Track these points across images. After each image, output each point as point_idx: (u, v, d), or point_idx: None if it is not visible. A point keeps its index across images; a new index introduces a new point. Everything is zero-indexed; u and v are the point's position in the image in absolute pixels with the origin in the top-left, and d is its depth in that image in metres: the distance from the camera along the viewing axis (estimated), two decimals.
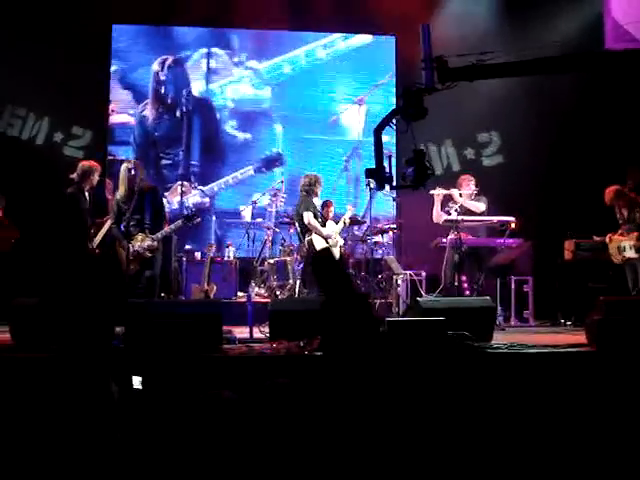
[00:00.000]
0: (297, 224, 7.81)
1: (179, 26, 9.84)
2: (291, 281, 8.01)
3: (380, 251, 8.64)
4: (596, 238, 7.83)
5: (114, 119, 9.62)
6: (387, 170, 4.73)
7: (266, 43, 9.97)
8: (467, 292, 7.75)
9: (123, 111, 9.64)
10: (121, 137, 9.67)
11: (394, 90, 9.85)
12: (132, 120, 9.71)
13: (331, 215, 8.10)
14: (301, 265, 7.89)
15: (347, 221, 8.03)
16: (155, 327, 4.91)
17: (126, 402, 3.65)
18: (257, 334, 6.09)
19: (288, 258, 8.23)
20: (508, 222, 7.67)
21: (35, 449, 3.29)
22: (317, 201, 7.97)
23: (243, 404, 2.57)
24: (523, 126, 9.08)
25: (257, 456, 2.53)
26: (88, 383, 3.98)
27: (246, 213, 9.66)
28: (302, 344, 4.95)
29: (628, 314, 5.27)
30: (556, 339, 6.13)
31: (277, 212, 9.10)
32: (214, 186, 9.75)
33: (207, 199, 9.64)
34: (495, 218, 7.76)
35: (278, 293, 8.05)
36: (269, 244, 8.71)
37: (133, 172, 6.58)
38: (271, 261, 8.40)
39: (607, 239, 7.57)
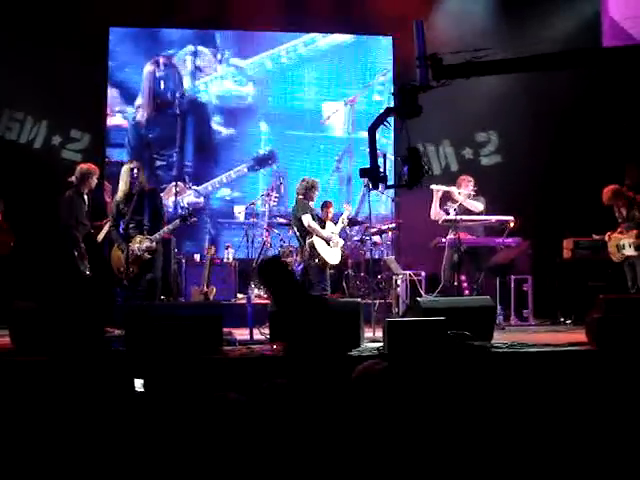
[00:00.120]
0: (295, 228, 7.80)
1: (176, 28, 9.85)
2: None
3: (379, 251, 8.65)
4: (595, 237, 7.83)
5: (108, 122, 9.63)
6: (381, 169, 4.69)
7: (249, 41, 10.00)
8: (466, 292, 7.75)
9: (111, 112, 9.64)
10: (115, 139, 9.68)
11: (384, 89, 9.92)
12: (125, 122, 9.72)
13: (330, 216, 8.10)
14: (301, 266, 7.89)
15: (346, 221, 8.03)
16: (155, 330, 4.90)
17: (128, 405, 3.65)
18: (257, 336, 6.09)
19: (287, 259, 8.23)
20: (507, 221, 7.68)
21: (35, 451, 3.29)
22: (312, 205, 7.95)
23: (250, 406, 2.57)
24: (521, 125, 9.08)
25: (264, 458, 2.52)
26: (85, 387, 3.98)
27: (240, 213, 9.68)
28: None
29: (628, 312, 5.28)
30: (556, 338, 6.14)
31: (270, 212, 9.12)
32: (208, 185, 9.77)
33: (201, 199, 9.66)
34: (494, 217, 7.77)
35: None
36: (268, 245, 8.71)
37: (135, 173, 6.58)
38: None
39: (606, 237, 7.57)
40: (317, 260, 7.55)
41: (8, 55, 8.65)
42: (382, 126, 4.78)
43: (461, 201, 7.72)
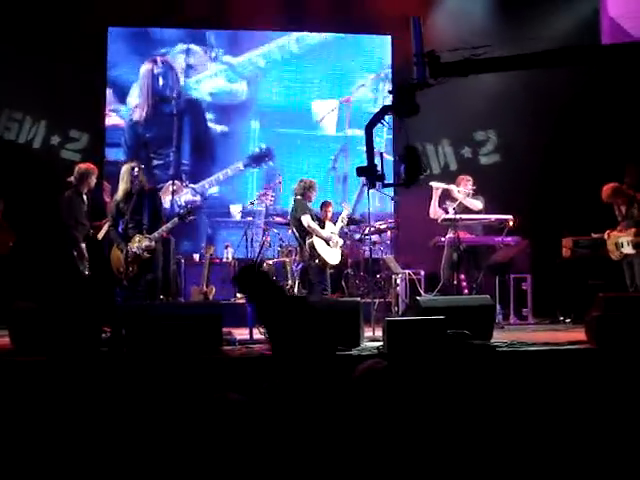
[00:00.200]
0: (294, 228, 7.78)
1: (175, 28, 9.86)
2: (290, 282, 8.01)
3: (378, 250, 8.64)
4: (594, 235, 7.83)
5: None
6: (378, 168, 4.66)
7: (241, 38, 10.03)
8: (466, 291, 7.76)
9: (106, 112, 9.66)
10: (111, 139, 9.68)
11: (378, 88, 9.98)
12: (121, 122, 9.73)
13: (329, 215, 8.10)
14: (300, 266, 7.89)
15: (345, 220, 8.03)
16: (155, 329, 4.90)
17: (128, 405, 3.65)
18: (257, 335, 6.08)
19: (287, 259, 8.24)
20: (506, 220, 7.68)
21: (35, 451, 3.29)
22: (310, 206, 7.95)
23: (251, 406, 2.57)
24: (520, 124, 9.08)
25: (266, 458, 2.53)
26: (85, 387, 3.98)
27: (236, 212, 9.70)
28: None
29: (627, 310, 5.28)
30: (556, 336, 6.14)
31: (267, 210, 9.15)
32: (205, 183, 9.79)
33: (198, 197, 9.67)
34: (493, 216, 7.77)
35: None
36: (267, 245, 8.71)
37: (136, 172, 6.58)
38: (270, 262, 8.40)
39: (606, 235, 7.57)
40: (317, 260, 7.55)
41: (6, 55, 8.64)
42: (380, 125, 4.76)
43: (460, 199, 7.73)
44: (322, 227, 7.75)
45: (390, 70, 10.04)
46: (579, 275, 7.89)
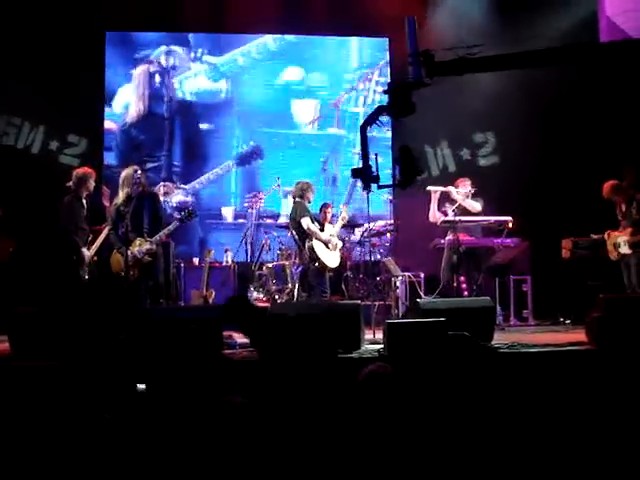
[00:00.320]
0: (294, 231, 7.77)
1: (173, 32, 9.88)
2: (290, 285, 8.01)
3: (378, 253, 8.65)
4: (593, 236, 7.83)
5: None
6: (373, 169, 4.58)
7: (222, 38, 10.08)
8: (466, 292, 7.76)
9: None
10: (105, 143, 9.70)
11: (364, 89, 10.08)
12: (114, 126, 9.72)
13: (329, 217, 8.10)
14: (299, 269, 7.88)
15: (346, 218, 8.02)
16: (156, 333, 4.89)
17: (130, 409, 3.64)
18: None
19: (286, 262, 8.23)
20: (505, 222, 7.68)
21: (34, 457, 3.28)
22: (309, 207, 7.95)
23: (255, 409, 2.56)
24: (518, 126, 9.08)
25: (269, 461, 2.52)
26: (86, 391, 3.97)
27: (228, 214, 9.71)
28: None
29: (628, 311, 5.27)
30: (556, 338, 6.13)
31: (258, 213, 9.15)
32: (195, 184, 9.80)
33: (190, 197, 9.68)
34: (492, 218, 7.78)
35: (277, 297, 8.05)
36: (267, 248, 8.71)
37: (139, 176, 6.58)
38: (269, 265, 8.40)
39: (606, 236, 7.57)
40: (316, 263, 7.54)
41: (4, 60, 8.64)
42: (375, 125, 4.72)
43: (459, 201, 7.73)
44: (321, 229, 7.75)
45: (376, 71, 10.12)
46: (579, 276, 7.89)
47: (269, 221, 8.92)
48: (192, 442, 2.59)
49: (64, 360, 4.60)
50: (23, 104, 8.94)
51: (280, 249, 8.61)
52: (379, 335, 5.71)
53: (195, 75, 9.97)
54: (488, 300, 5.95)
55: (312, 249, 7.52)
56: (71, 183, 7.01)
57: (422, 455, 2.77)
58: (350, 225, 8.82)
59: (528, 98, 8.87)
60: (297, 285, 7.82)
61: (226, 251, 8.99)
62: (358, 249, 8.71)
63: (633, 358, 4.62)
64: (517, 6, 8.96)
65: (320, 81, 10.16)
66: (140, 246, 6.46)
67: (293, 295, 7.81)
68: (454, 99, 8.65)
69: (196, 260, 9.00)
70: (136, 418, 3.45)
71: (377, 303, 7.61)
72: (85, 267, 6.86)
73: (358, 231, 9.14)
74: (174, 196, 9.55)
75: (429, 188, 7.78)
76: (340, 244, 7.92)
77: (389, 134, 9.68)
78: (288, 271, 8.12)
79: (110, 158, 9.62)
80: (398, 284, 8.04)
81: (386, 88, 4.61)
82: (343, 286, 8.49)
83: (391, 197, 8.75)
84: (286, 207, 9.62)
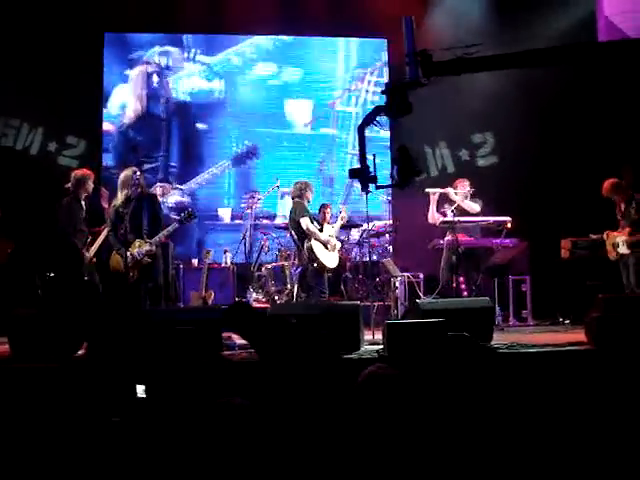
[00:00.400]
0: (293, 231, 7.77)
1: (173, 33, 9.88)
2: (289, 286, 8.01)
3: (376, 254, 8.66)
4: (592, 236, 7.83)
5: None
6: (371, 170, 4.53)
7: (216, 39, 10.11)
8: (465, 293, 7.76)
9: None
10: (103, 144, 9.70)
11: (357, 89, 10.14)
12: (112, 127, 9.73)
13: (328, 217, 8.11)
14: (299, 270, 7.88)
15: (345, 218, 8.02)
16: (155, 335, 4.88)
17: (130, 412, 3.64)
18: None
19: (285, 263, 8.23)
20: (504, 222, 7.69)
21: (34, 459, 3.28)
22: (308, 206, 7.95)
23: (256, 411, 2.56)
24: (517, 126, 9.09)
25: (269, 463, 2.52)
26: (86, 393, 3.97)
27: (224, 215, 9.71)
28: None
29: (627, 311, 5.28)
30: (555, 338, 6.13)
31: (254, 213, 9.19)
32: (192, 183, 9.80)
33: (187, 197, 9.69)
34: (491, 218, 7.78)
35: (276, 298, 8.05)
36: (266, 249, 8.71)
37: (138, 177, 6.58)
38: (268, 266, 8.40)
39: (605, 236, 7.57)
40: (315, 264, 7.54)
41: (2, 62, 8.64)
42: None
43: (458, 202, 7.73)
44: (320, 230, 7.75)
45: (370, 71, 10.15)
46: (578, 276, 7.89)
47: (265, 222, 8.93)
48: (191, 443, 2.59)
49: (64, 362, 4.60)
50: (22, 105, 8.93)
51: (279, 250, 8.61)
52: (378, 336, 5.71)
53: (189, 75, 9.99)
54: (487, 300, 5.95)
55: (311, 249, 7.53)
56: (70, 185, 7.02)
57: (422, 455, 2.77)
58: (349, 225, 8.82)
59: (526, 98, 8.88)
60: (296, 286, 7.82)
61: (225, 252, 8.99)
62: (355, 249, 8.71)
63: (632, 358, 4.63)
64: (516, 6, 8.96)
65: (314, 81, 10.18)
66: (139, 247, 6.46)
67: (292, 296, 7.81)
68: (453, 100, 8.66)
69: (195, 261, 9.00)
70: (137, 420, 3.45)
71: (376, 304, 7.61)
72: (84, 269, 6.86)
73: (356, 232, 9.16)
74: (171, 196, 9.56)
75: (427, 190, 7.79)
76: (339, 245, 7.92)
77: (387, 134, 9.68)
78: (287, 272, 8.13)
79: (108, 159, 9.64)
80: (397, 285, 8.03)
81: (383, 88, 4.60)
82: (342, 287, 8.49)
83: (389, 198, 8.75)
84: (282, 208, 9.65)
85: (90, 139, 9.40)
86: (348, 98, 10.21)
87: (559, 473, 3.11)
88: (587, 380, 4.46)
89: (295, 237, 7.72)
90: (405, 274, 8.11)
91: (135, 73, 9.82)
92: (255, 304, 7.72)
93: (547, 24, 8.64)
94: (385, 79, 10.03)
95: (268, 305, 7.79)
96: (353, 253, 8.76)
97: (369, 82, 10.20)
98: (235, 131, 9.96)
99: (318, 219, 7.96)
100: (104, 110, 9.70)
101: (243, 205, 9.46)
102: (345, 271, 8.54)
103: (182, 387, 3.35)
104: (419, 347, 4.72)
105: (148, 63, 9.85)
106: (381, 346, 5.20)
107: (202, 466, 2.52)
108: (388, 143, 9.74)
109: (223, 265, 8.84)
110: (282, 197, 9.60)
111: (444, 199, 7.85)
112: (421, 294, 7.98)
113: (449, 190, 7.83)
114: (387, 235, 8.95)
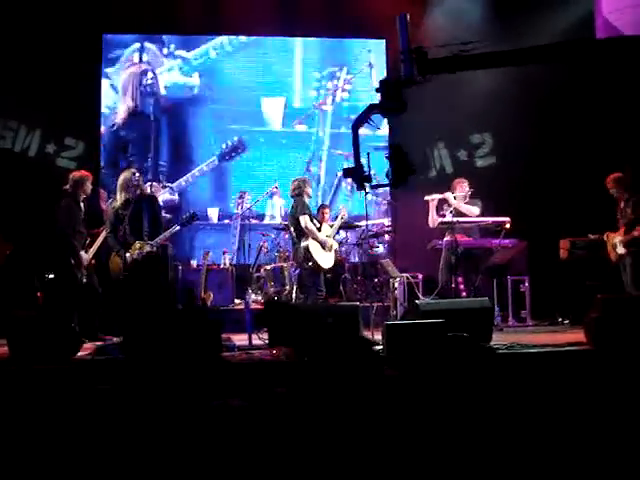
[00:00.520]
0: (292, 228, 7.75)
1: (171, 34, 9.88)
2: (288, 287, 8.00)
3: (375, 254, 8.66)
4: (591, 236, 7.83)
5: None
6: (366, 169, 4.53)
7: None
8: (464, 293, 7.75)
9: None
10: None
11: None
12: (102, 127, 9.72)
13: (327, 218, 8.10)
14: (297, 271, 7.87)
15: (345, 217, 8.02)
16: (154, 336, 4.88)
17: (130, 412, 3.64)
18: (256, 341, 6.08)
19: (284, 264, 8.22)
20: (503, 222, 7.69)
21: (33, 460, 3.28)
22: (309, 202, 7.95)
23: (253, 412, 2.56)
24: (516, 127, 9.08)
25: (268, 463, 2.52)
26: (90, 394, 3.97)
27: (213, 215, 9.71)
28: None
29: (626, 312, 5.28)
30: (555, 338, 6.14)
31: (243, 213, 9.18)
32: (182, 181, 9.80)
33: (176, 196, 9.68)
34: (490, 219, 7.78)
35: (275, 299, 8.04)
36: (265, 250, 8.71)
37: (137, 178, 6.57)
38: (267, 267, 8.40)
39: (605, 237, 7.56)
40: (310, 263, 7.52)
41: (0, 64, 8.63)
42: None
43: (455, 205, 7.73)
44: (319, 229, 7.74)
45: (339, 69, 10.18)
46: (577, 276, 7.89)
47: (254, 221, 8.94)
48: (190, 444, 2.59)
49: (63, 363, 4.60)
50: (20, 107, 8.92)
51: (278, 251, 8.61)
52: (378, 336, 5.71)
53: (169, 70, 9.97)
54: (486, 301, 5.96)
55: (307, 249, 7.50)
56: (68, 186, 7.01)
57: (421, 456, 2.77)
58: (348, 226, 8.82)
59: (525, 99, 8.87)
60: (295, 287, 7.81)
61: (224, 253, 8.99)
62: (354, 251, 8.72)
63: (631, 358, 4.63)
64: (514, 6, 8.96)
65: (287, 79, 10.20)
66: (140, 249, 6.45)
67: (291, 297, 7.80)
68: (451, 100, 8.65)
69: (194, 262, 9.00)
70: (135, 419, 3.45)
71: (375, 304, 7.61)
72: (83, 270, 6.85)
73: (348, 233, 9.15)
74: (161, 195, 9.55)
75: (426, 198, 7.79)
76: (336, 245, 7.91)
77: (382, 132, 9.69)
78: (286, 273, 8.12)
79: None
80: (396, 285, 8.04)
81: (377, 87, 4.55)
82: (341, 288, 8.49)
83: (378, 198, 8.75)
84: (271, 208, 9.66)
85: (88, 141, 9.39)
86: (317, 97, 10.21)
87: (559, 473, 3.12)
88: (586, 380, 4.46)
89: (293, 234, 7.70)
90: (404, 275, 8.11)
91: (128, 72, 9.80)
92: (254, 305, 7.70)
93: (546, 23, 8.62)
94: (373, 80, 10.00)
95: None
96: (353, 253, 8.75)
97: (345, 81, 10.18)
98: (213, 128, 9.93)
99: (318, 218, 7.95)
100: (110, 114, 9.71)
101: (232, 204, 9.43)
102: (344, 272, 8.54)
103: (181, 388, 3.36)
104: (418, 348, 4.74)
105: (135, 63, 9.82)
106: (380, 347, 5.20)
107: (200, 465, 2.52)
108: (386, 144, 9.73)
109: (222, 266, 8.83)
110: (271, 197, 9.61)
111: (443, 202, 7.84)
112: (420, 295, 7.98)
113: (447, 195, 7.81)
114: (386, 236, 8.95)
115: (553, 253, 8.18)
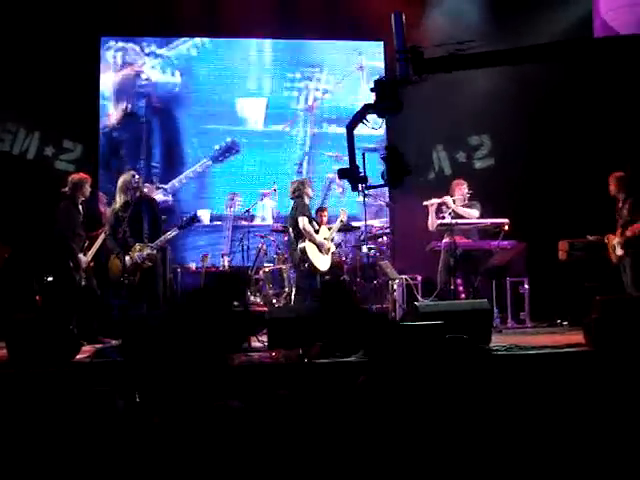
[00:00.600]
0: (291, 229, 7.76)
1: (168, 37, 9.88)
2: (287, 289, 8.00)
3: (373, 257, 8.65)
4: (590, 237, 7.84)
5: None
6: (361, 169, 4.50)
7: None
8: (463, 295, 7.76)
9: None
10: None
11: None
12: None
13: (325, 220, 8.10)
14: (296, 272, 7.87)
15: (345, 218, 8.01)
16: (153, 338, 4.88)
17: (130, 415, 3.63)
18: (255, 343, 6.08)
19: (283, 266, 8.22)
20: (502, 224, 7.69)
21: (33, 463, 3.27)
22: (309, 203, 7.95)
23: (252, 413, 2.56)
24: (514, 128, 9.09)
25: (267, 465, 2.52)
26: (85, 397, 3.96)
27: (204, 216, 9.72)
28: (301, 352, 4.95)
29: (625, 313, 5.28)
30: (554, 340, 6.14)
31: (234, 215, 9.20)
32: (175, 182, 9.78)
33: (170, 197, 9.68)
34: (489, 220, 7.79)
35: (274, 301, 8.04)
36: (263, 252, 8.70)
37: (137, 180, 6.57)
38: (266, 269, 8.39)
39: (605, 239, 7.56)
40: (306, 265, 7.52)
41: None
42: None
43: (454, 208, 7.74)
44: (317, 231, 7.74)
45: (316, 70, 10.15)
46: (575, 278, 7.89)
47: (244, 223, 8.96)
48: (189, 445, 2.59)
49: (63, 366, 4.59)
50: (18, 110, 8.93)
51: (277, 253, 8.60)
52: None
53: (149, 69, 9.92)
54: (485, 302, 5.96)
55: (304, 250, 7.50)
56: (67, 189, 7.01)
57: (420, 457, 2.77)
58: (346, 229, 8.82)
59: (524, 100, 8.88)
60: (294, 289, 7.81)
61: (222, 256, 8.99)
62: (352, 253, 8.70)
63: (631, 359, 4.63)
64: (514, 6, 8.96)
65: (267, 80, 10.15)
66: (140, 251, 6.45)
67: (290, 299, 7.80)
68: (449, 102, 8.65)
69: (192, 265, 9.00)
70: (133, 423, 3.45)
71: (375, 306, 7.60)
72: (82, 273, 6.85)
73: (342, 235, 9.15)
74: (154, 196, 9.55)
75: (425, 203, 7.79)
76: (333, 248, 7.91)
77: (377, 133, 9.68)
78: (285, 275, 8.12)
79: None
80: (395, 287, 8.03)
81: (373, 86, 4.52)
82: None
83: (369, 199, 8.73)
84: (262, 209, 9.66)
85: (87, 143, 9.39)
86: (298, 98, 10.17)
87: (558, 474, 3.12)
88: (586, 382, 4.46)
89: (292, 235, 7.71)
90: (403, 276, 8.11)
91: (121, 75, 9.78)
92: (252, 307, 7.70)
93: (545, 24, 8.63)
94: (333, 77, 10.03)
95: (265, 308, 7.78)
96: (351, 254, 8.73)
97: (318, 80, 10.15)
98: (189, 128, 9.87)
99: (317, 220, 7.96)
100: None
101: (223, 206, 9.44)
102: (343, 273, 8.53)
103: (181, 389, 3.35)
104: (418, 350, 4.73)
105: (127, 66, 9.81)
106: None
107: (200, 466, 2.52)
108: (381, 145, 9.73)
109: (221, 269, 8.82)
110: (261, 198, 9.60)
111: (442, 205, 7.85)
112: (419, 296, 7.99)
113: (446, 199, 7.81)
114: (385, 238, 8.95)
115: (552, 254, 8.18)
